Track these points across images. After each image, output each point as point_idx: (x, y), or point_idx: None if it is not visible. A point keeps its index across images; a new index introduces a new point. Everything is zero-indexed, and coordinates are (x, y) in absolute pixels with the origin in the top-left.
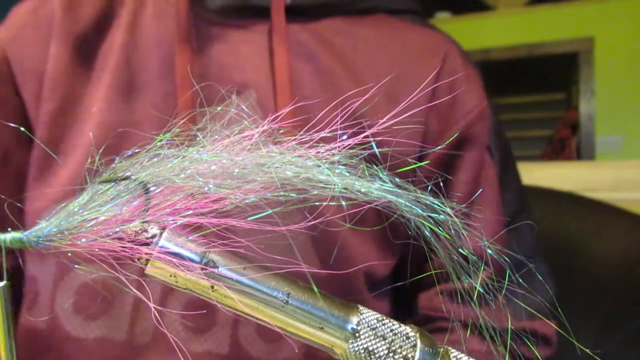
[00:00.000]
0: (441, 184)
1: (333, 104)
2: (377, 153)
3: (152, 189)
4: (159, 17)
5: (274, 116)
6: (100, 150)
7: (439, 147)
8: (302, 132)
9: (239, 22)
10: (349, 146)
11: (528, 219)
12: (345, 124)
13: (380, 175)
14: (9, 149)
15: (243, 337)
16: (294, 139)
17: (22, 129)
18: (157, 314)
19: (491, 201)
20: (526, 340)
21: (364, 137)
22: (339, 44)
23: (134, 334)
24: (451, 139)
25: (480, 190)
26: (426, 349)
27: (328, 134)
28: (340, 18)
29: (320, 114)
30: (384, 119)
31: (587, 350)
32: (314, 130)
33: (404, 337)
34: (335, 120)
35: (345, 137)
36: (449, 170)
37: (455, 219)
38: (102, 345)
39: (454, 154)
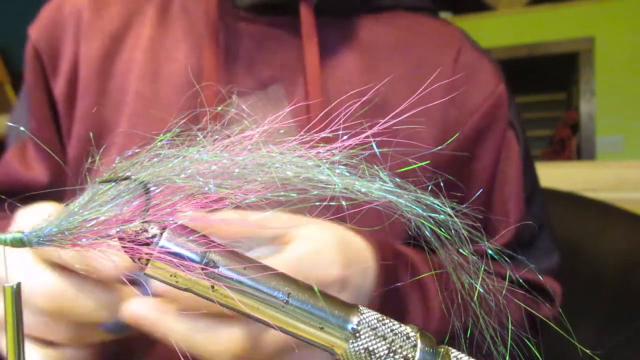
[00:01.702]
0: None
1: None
2: (378, 152)
3: (152, 189)
4: (186, 12)
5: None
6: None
7: (440, 147)
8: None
9: (267, 19)
10: (349, 146)
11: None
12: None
13: (381, 175)
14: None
15: None
16: (294, 139)
17: (28, 133)
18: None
19: (513, 178)
20: (536, 298)
21: (385, 130)
22: (363, 40)
23: None
24: (451, 140)
25: (503, 171)
26: (426, 349)
27: (329, 134)
28: (362, 16)
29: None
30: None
31: (587, 351)
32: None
33: (405, 337)
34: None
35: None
36: (471, 157)
37: (456, 219)
38: None
39: (475, 142)
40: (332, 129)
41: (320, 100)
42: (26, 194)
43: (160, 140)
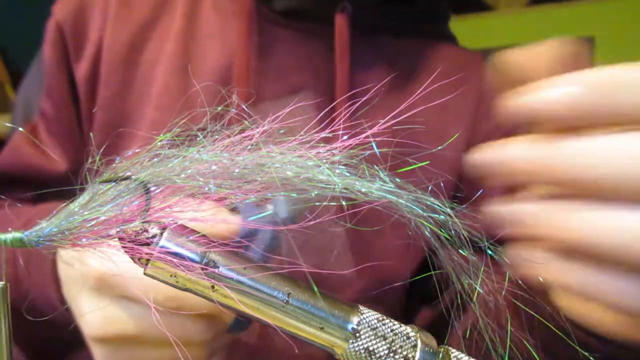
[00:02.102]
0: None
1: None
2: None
3: (152, 189)
4: (218, 9)
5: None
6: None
7: (439, 148)
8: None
9: (301, 25)
10: (349, 146)
11: None
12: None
13: (381, 175)
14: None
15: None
16: (295, 139)
17: (21, 128)
18: (156, 314)
19: None
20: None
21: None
22: (391, 59)
23: None
24: (450, 140)
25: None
26: (426, 349)
27: (329, 134)
28: (392, 36)
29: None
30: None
31: (586, 354)
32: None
33: (405, 337)
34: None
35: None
36: None
37: (456, 219)
38: None
39: None
40: (333, 128)
41: (349, 113)
42: (36, 185)
43: (161, 140)
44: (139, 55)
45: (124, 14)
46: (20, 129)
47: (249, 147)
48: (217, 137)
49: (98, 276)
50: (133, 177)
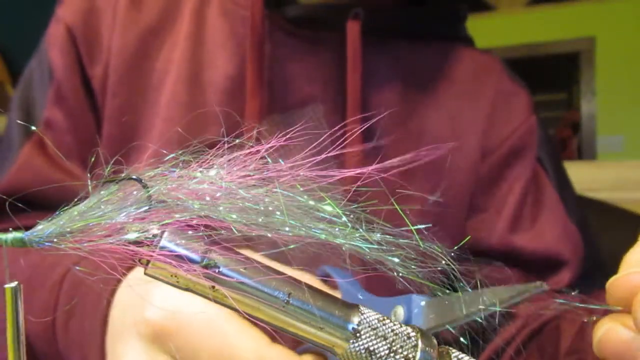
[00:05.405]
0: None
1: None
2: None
3: (155, 193)
4: (225, 15)
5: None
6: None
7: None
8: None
9: (312, 33)
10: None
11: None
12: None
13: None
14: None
15: None
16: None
17: (33, 127)
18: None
19: (553, 203)
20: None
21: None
22: (405, 65)
23: None
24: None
25: (539, 195)
26: (427, 349)
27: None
28: (406, 40)
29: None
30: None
31: None
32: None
33: (405, 337)
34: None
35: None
36: (500, 180)
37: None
38: None
39: (505, 165)
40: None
41: (361, 126)
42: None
43: (176, 157)
44: (150, 63)
45: (133, 17)
46: (25, 137)
47: (261, 179)
48: (226, 161)
49: (157, 324)
50: (134, 177)
